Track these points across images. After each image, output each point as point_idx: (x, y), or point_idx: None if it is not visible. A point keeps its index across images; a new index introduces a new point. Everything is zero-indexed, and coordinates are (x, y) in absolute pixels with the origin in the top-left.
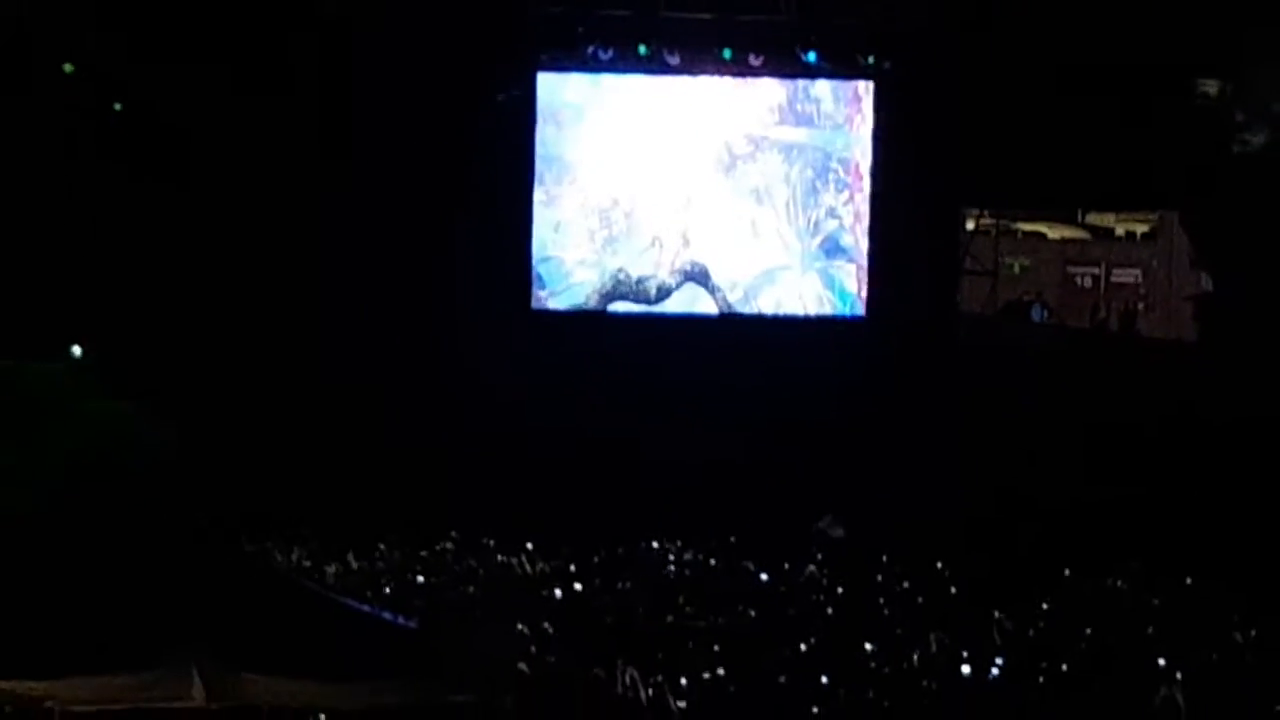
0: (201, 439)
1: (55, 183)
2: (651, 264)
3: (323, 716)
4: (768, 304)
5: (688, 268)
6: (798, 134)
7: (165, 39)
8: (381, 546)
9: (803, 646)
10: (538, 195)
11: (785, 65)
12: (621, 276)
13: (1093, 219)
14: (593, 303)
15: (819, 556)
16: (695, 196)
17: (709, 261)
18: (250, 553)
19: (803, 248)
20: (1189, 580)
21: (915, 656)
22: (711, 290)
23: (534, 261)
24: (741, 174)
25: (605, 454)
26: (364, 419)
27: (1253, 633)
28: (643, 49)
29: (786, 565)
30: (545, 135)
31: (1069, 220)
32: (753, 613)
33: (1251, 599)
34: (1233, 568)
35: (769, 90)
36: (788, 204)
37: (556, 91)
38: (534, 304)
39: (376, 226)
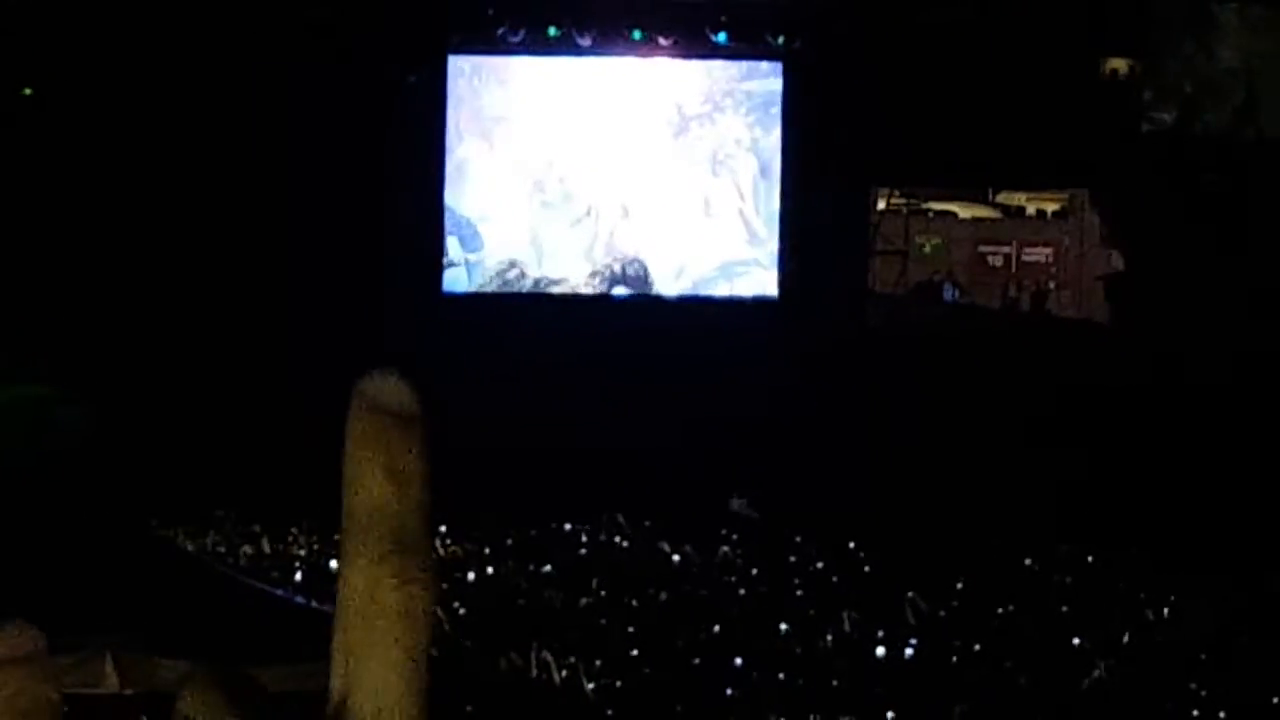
0: (116, 423)
1: None
2: (582, 248)
3: None
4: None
5: (619, 268)
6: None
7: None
8: (294, 530)
9: (716, 628)
10: (473, 151)
11: (695, 46)
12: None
13: (1004, 198)
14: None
15: (733, 538)
16: (639, 167)
17: (649, 255)
18: (162, 537)
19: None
20: (1100, 557)
21: (829, 637)
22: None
23: (460, 222)
24: (695, 139)
25: (514, 438)
26: (277, 402)
27: (1165, 611)
28: (553, 30)
29: (700, 547)
30: (490, 96)
31: (980, 199)
32: (665, 595)
33: (1165, 575)
34: (1148, 544)
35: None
36: (755, 180)
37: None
38: (450, 268)
39: (287, 209)
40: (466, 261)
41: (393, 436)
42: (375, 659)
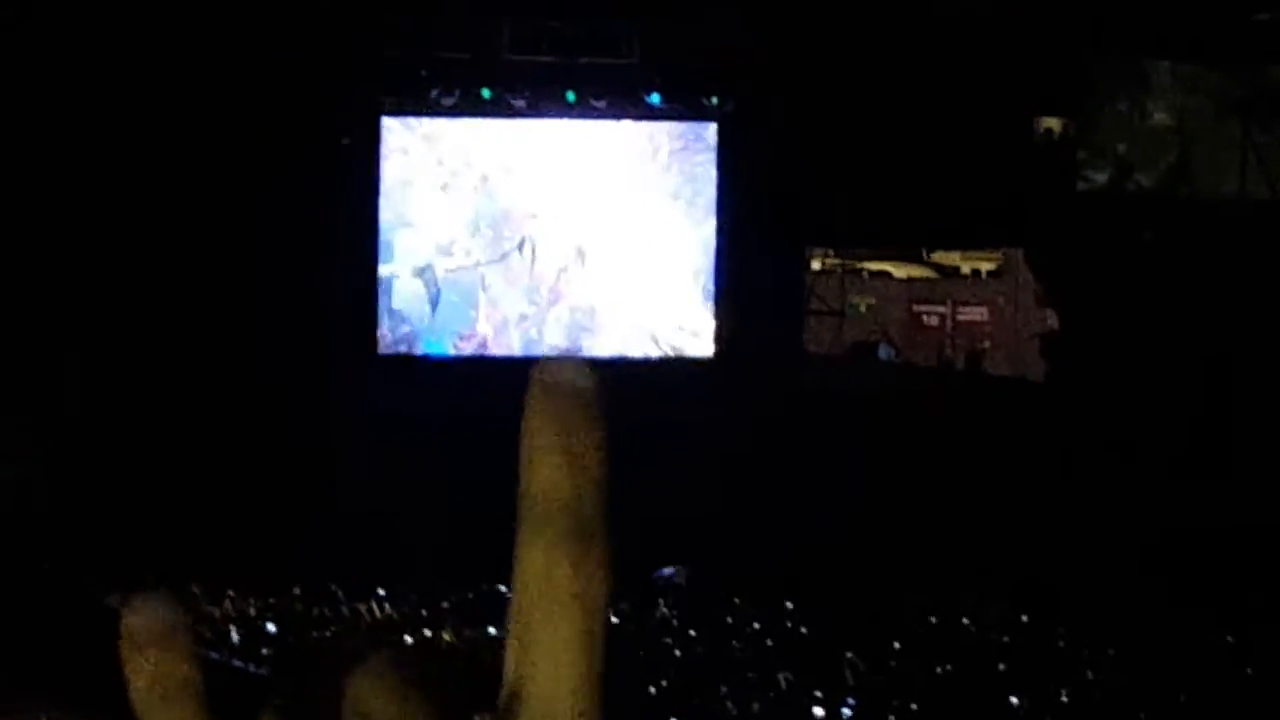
0: (47, 484)
1: None
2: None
3: None
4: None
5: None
6: None
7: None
8: (230, 594)
9: (653, 689)
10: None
11: (630, 108)
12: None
13: (939, 257)
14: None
15: (669, 599)
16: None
17: (591, 309)
18: (97, 600)
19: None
20: (1031, 617)
21: (768, 696)
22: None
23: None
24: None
25: (449, 499)
26: (211, 465)
27: (1104, 668)
28: (486, 92)
29: (636, 607)
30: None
31: (915, 259)
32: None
33: (1099, 634)
34: (1084, 604)
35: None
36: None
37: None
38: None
39: (226, 269)
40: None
41: (572, 418)
42: (551, 643)
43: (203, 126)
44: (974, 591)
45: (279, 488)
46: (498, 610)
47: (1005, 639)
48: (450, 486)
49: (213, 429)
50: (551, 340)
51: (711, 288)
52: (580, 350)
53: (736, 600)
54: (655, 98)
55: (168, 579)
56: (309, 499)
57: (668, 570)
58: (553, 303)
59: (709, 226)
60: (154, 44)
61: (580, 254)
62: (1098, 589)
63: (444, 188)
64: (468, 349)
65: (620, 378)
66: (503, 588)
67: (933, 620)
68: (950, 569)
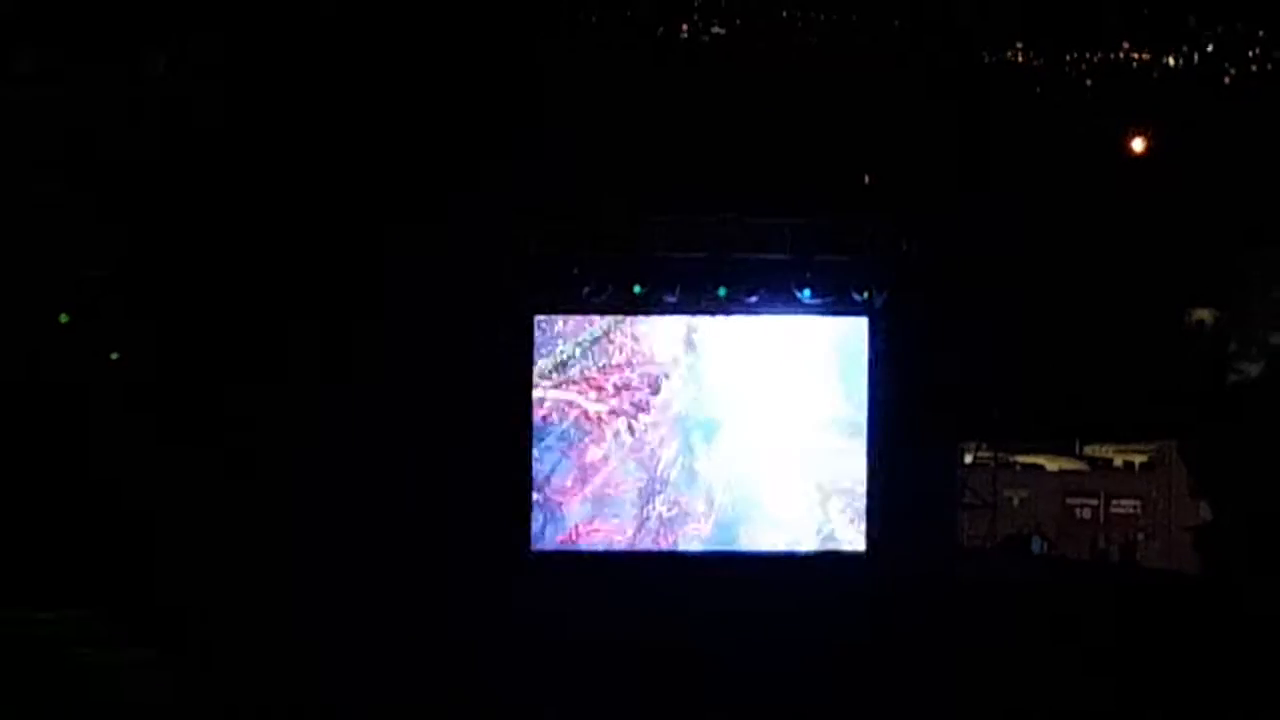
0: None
1: None
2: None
3: None
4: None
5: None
6: None
7: None
8: None
9: None
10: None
11: (780, 303)
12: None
13: (1091, 450)
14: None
15: None
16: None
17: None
18: None
19: None
20: None
21: None
22: None
23: None
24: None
25: (601, 696)
26: (345, 663)
27: None
28: (637, 289)
29: None
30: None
31: (1067, 452)
32: None
33: None
34: None
35: None
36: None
37: None
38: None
39: (377, 461)
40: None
41: None
42: None
43: (358, 327)
44: None
45: (410, 683)
46: None
47: None
48: (597, 686)
49: (348, 624)
50: (709, 534)
51: (865, 481)
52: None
53: None
54: (806, 293)
55: None
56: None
57: None
58: (710, 496)
59: (861, 420)
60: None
61: (737, 447)
62: None
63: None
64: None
65: (775, 572)
66: None
67: None
68: None
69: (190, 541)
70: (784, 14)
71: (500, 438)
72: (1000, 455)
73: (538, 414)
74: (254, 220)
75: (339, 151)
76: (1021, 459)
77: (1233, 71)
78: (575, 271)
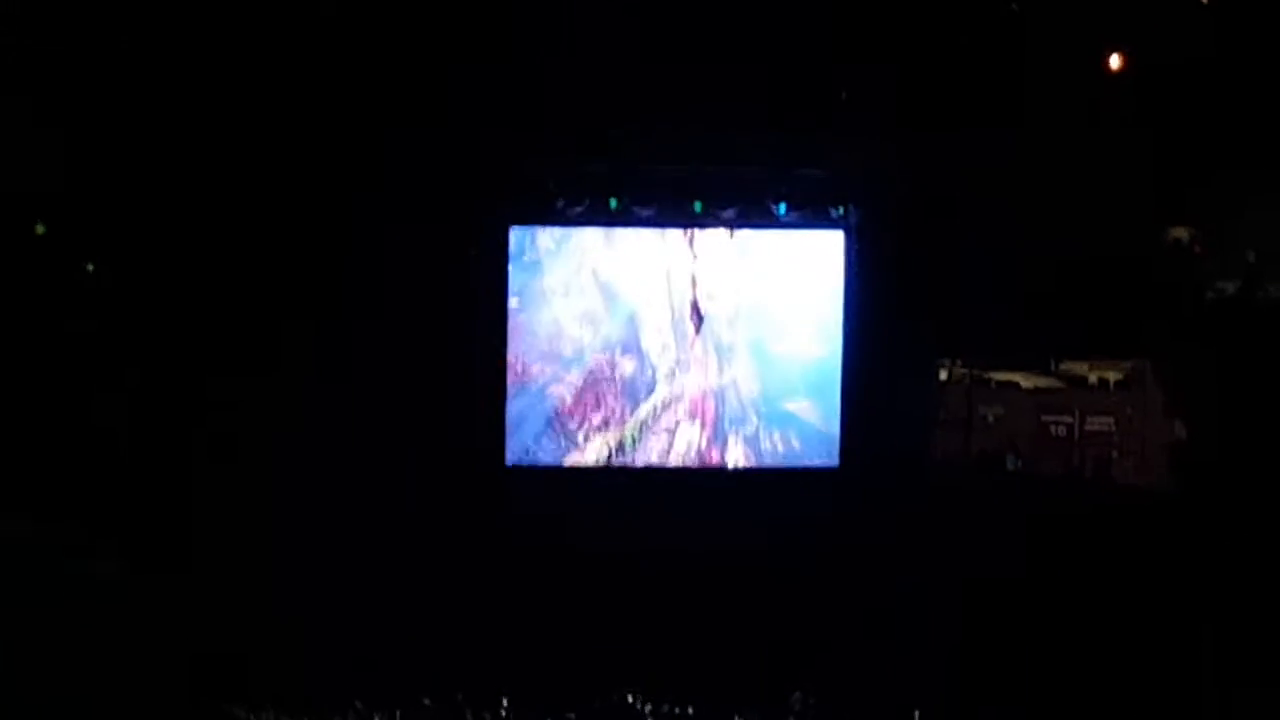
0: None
1: None
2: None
3: None
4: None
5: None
6: None
7: None
8: (356, 704)
9: None
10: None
11: (756, 217)
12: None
13: (1066, 367)
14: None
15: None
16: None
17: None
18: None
19: None
20: None
21: None
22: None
23: None
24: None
25: (575, 611)
26: (336, 576)
27: None
28: (613, 203)
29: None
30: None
31: (1042, 369)
32: None
33: None
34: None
35: None
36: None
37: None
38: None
39: (353, 378)
40: None
41: None
42: None
43: (327, 235)
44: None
45: (406, 599)
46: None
47: None
48: (575, 596)
49: (338, 539)
50: (679, 449)
51: (838, 398)
52: (707, 461)
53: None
54: (782, 207)
55: (293, 686)
56: (438, 607)
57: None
58: (680, 412)
59: (835, 336)
60: (276, 147)
61: (708, 363)
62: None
63: (566, 294)
64: (593, 461)
65: (747, 488)
66: (630, 698)
67: None
68: (1082, 679)
69: (164, 447)
70: None
71: (477, 349)
72: (975, 372)
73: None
74: (222, 135)
75: (306, 63)
76: (997, 376)
77: None
78: (550, 185)
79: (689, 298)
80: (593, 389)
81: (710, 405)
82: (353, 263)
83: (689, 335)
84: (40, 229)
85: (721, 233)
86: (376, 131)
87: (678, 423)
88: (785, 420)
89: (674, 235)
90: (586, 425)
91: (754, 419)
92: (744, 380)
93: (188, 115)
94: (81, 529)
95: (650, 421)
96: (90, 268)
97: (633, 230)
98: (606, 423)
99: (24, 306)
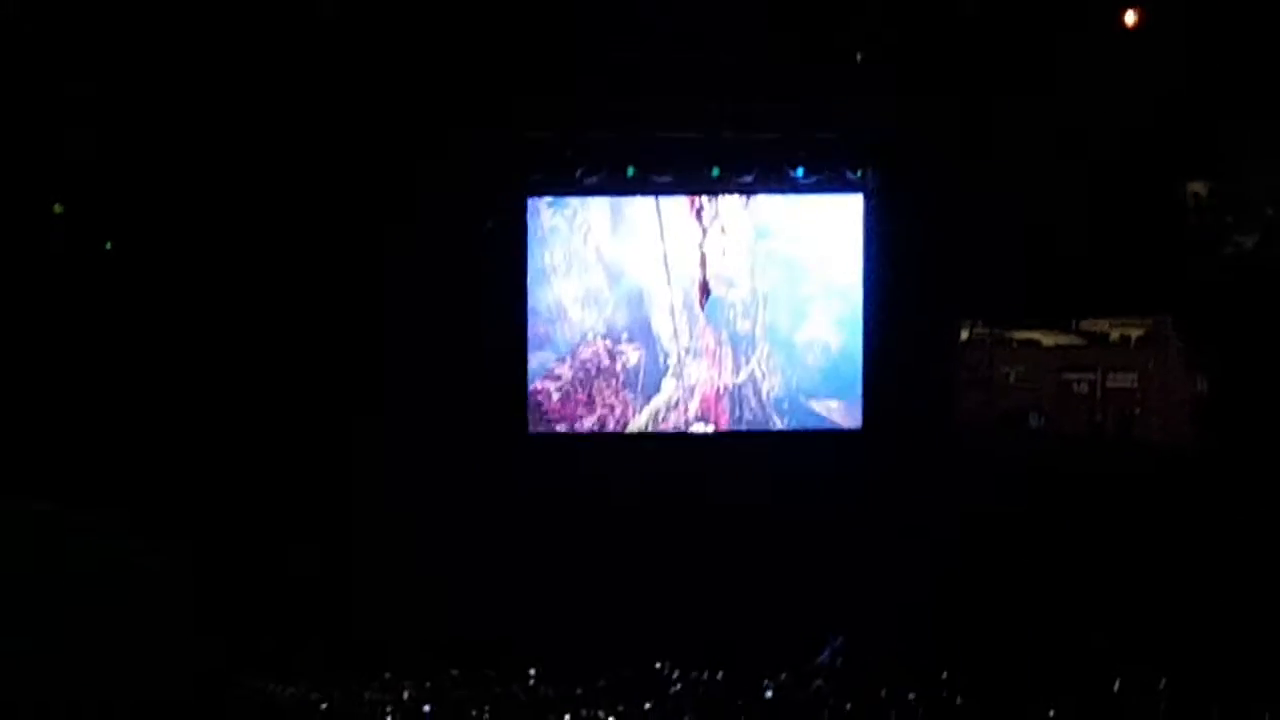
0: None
1: None
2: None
3: None
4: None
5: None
6: None
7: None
8: (387, 676)
9: None
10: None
11: (774, 181)
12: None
13: (1087, 325)
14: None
15: (823, 672)
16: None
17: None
18: (250, 688)
19: None
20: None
21: None
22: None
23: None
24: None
25: (602, 575)
26: (362, 548)
27: None
28: (631, 170)
29: (792, 683)
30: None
31: (1063, 327)
32: None
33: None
34: (1249, 679)
35: None
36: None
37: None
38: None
39: (380, 353)
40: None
41: None
42: None
43: (348, 207)
44: (1133, 661)
45: (428, 568)
46: (652, 687)
47: (1162, 707)
48: (597, 563)
49: (358, 515)
50: (697, 414)
51: (861, 360)
52: (729, 426)
53: (890, 672)
54: (800, 171)
55: (322, 659)
56: (463, 580)
57: (825, 654)
58: (699, 375)
59: (856, 299)
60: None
61: (731, 326)
62: (1253, 660)
63: (588, 264)
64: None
65: (773, 449)
66: (658, 664)
67: (1092, 690)
68: (1110, 636)
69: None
70: None
71: (499, 319)
72: (996, 331)
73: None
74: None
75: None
76: (1018, 335)
77: None
78: (568, 154)
79: (697, 277)
80: (585, 385)
81: (724, 407)
82: (372, 236)
83: (699, 320)
84: (58, 208)
85: (735, 204)
86: (395, 105)
87: (687, 423)
88: (809, 420)
89: (682, 209)
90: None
91: (777, 422)
92: (764, 376)
93: (204, 92)
94: (96, 505)
95: (653, 424)
96: (109, 246)
97: (641, 201)
98: (602, 425)
99: (42, 285)
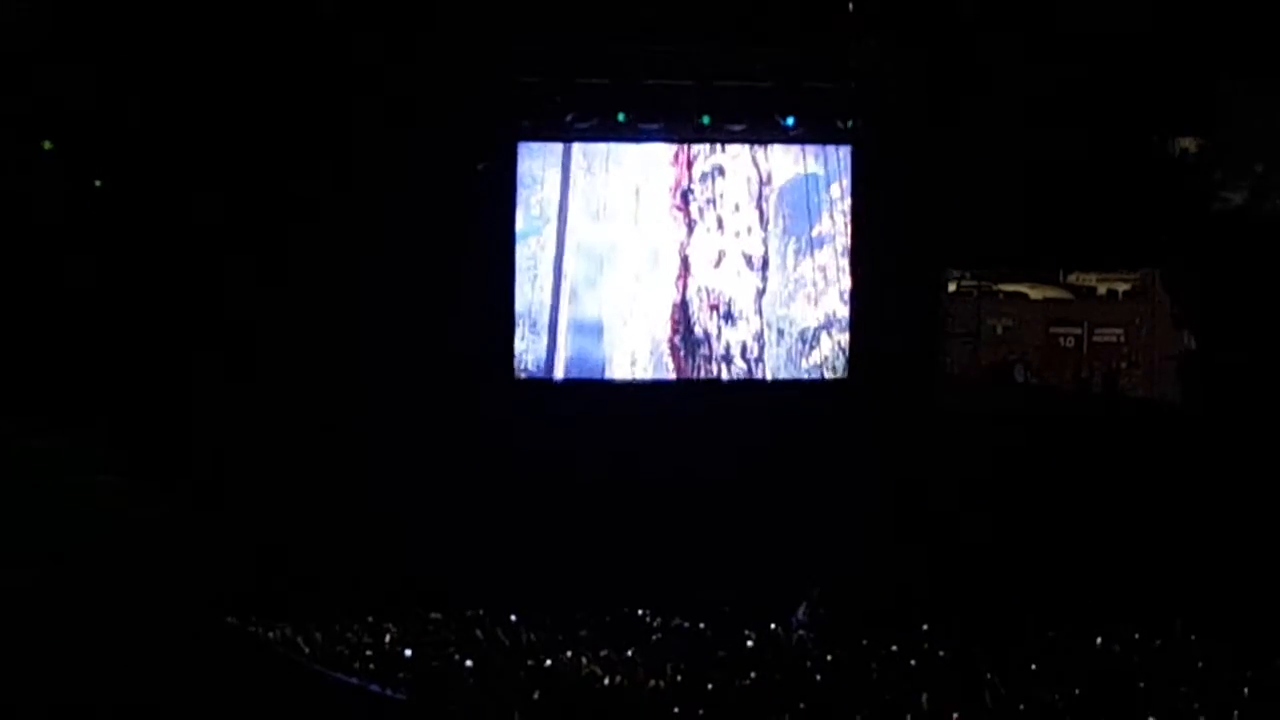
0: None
1: None
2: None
3: None
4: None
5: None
6: None
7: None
8: (369, 619)
9: (787, 716)
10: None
11: (764, 131)
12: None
13: (1074, 279)
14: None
15: (806, 622)
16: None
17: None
18: (234, 627)
19: None
20: (1174, 637)
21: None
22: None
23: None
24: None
25: (584, 522)
26: (345, 492)
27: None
28: (621, 116)
29: (773, 631)
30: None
31: (1051, 281)
32: (740, 680)
33: (1238, 656)
34: (1219, 625)
35: None
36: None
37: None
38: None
39: (360, 295)
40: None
41: None
42: None
43: (339, 151)
44: (1112, 613)
45: (418, 512)
46: (634, 634)
47: (1139, 660)
48: (579, 509)
49: (353, 457)
50: (683, 364)
51: (847, 310)
52: (715, 377)
53: (873, 622)
54: (790, 121)
55: (306, 600)
56: (445, 525)
57: (801, 613)
58: (686, 326)
59: (843, 250)
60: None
61: (715, 278)
62: (1236, 610)
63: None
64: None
65: (757, 400)
66: (640, 611)
67: (1070, 643)
68: (1087, 590)
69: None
70: None
71: (488, 263)
72: (983, 284)
73: None
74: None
75: None
76: (1005, 287)
77: None
78: (559, 99)
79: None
80: None
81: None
82: (364, 178)
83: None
84: (47, 145)
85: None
86: (385, 48)
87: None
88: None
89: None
90: None
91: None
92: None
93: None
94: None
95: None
96: (98, 184)
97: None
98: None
99: (32, 223)
